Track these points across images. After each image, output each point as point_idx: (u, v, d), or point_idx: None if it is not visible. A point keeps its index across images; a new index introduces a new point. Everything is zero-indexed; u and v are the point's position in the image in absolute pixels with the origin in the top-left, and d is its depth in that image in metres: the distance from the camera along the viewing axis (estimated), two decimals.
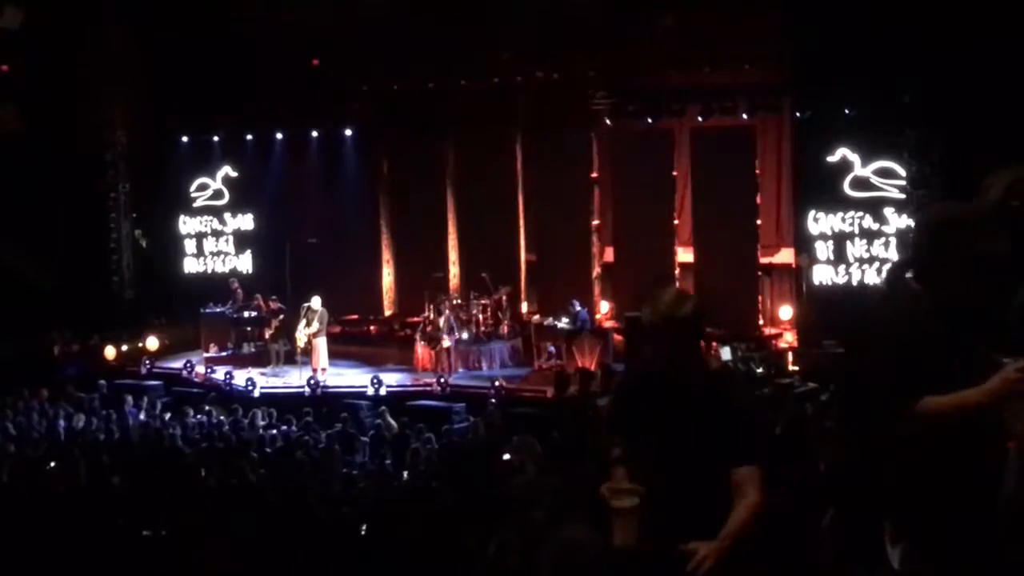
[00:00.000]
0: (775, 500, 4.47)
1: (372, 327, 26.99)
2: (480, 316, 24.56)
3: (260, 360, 24.72)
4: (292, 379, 23.32)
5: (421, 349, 23.92)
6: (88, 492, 14.07)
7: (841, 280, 23.07)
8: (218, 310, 26.29)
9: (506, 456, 13.14)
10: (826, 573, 4.66)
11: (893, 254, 22.62)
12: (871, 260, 22.87)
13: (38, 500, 13.24)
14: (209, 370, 24.28)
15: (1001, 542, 3.96)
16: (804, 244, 23.44)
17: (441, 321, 23.68)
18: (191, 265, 29.68)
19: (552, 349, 23.57)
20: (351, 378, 23.40)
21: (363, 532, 11.22)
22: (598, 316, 25.10)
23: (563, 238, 25.97)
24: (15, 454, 17.14)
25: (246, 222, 29.16)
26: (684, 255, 25.23)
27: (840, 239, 22.97)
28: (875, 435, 4.19)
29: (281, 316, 24.69)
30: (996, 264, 4.04)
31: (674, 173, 25.10)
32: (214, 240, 29.47)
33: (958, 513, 3.96)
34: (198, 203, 29.46)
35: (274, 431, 18.68)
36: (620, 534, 4.28)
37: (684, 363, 4.89)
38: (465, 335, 23.80)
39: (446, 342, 23.27)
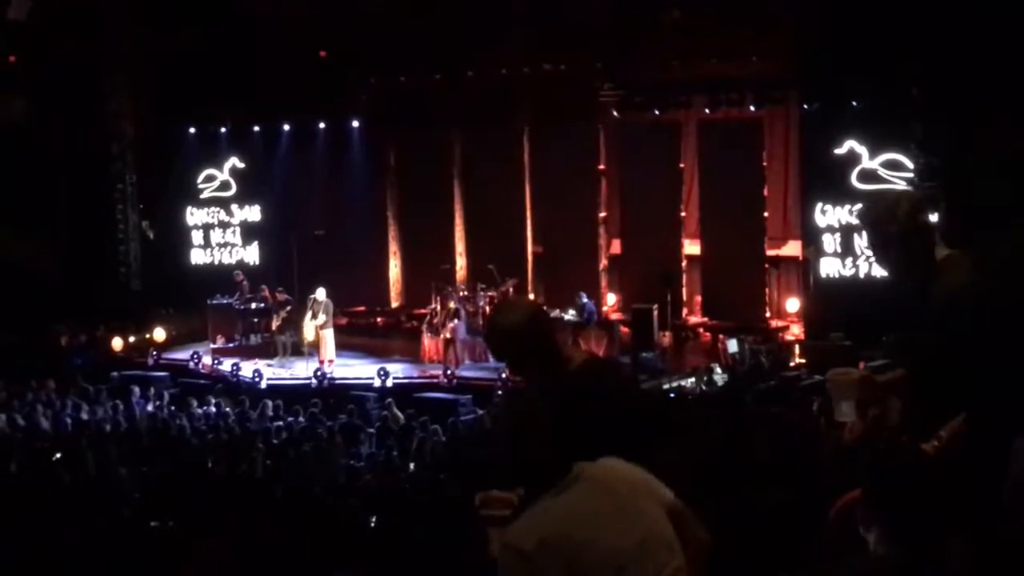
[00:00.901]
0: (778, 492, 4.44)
1: (379, 319, 27.03)
2: (487, 308, 24.51)
3: (267, 351, 24.73)
4: (299, 371, 23.35)
5: (428, 341, 23.92)
6: (95, 483, 14.10)
7: (848, 273, 23.01)
8: (225, 301, 26.29)
9: None
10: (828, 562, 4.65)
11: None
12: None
13: (45, 491, 13.26)
14: (216, 361, 24.29)
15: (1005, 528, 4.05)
16: (811, 236, 23.39)
17: (452, 304, 23.65)
18: (198, 256, 29.71)
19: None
20: (358, 370, 23.42)
21: (372, 524, 11.22)
22: (605, 308, 25.09)
23: (570, 230, 25.97)
24: (23, 445, 17.17)
25: (253, 213, 29.17)
26: (691, 247, 25.22)
27: (847, 231, 22.90)
28: None
29: (288, 308, 24.68)
30: None
31: (681, 165, 25.09)
32: (221, 231, 29.49)
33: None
34: (205, 194, 29.47)
35: (280, 423, 18.71)
36: (494, 544, 4.03)
37: (532, 372, 4.82)
38: (462, 323, 23.74)
39: (449, 332, 23.22)
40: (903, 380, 4.88)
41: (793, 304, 24.00)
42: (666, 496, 3.92)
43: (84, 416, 19.62)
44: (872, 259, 22.75)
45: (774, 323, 24.07)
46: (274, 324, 24.92)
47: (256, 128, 28.80)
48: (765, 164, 24.37)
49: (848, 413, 4.90)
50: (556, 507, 3.75)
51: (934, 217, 5.00)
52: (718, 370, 20.45)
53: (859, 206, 4.47)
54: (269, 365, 23.80)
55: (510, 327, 4.73)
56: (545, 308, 5.11)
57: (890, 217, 4.88)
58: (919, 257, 4.84)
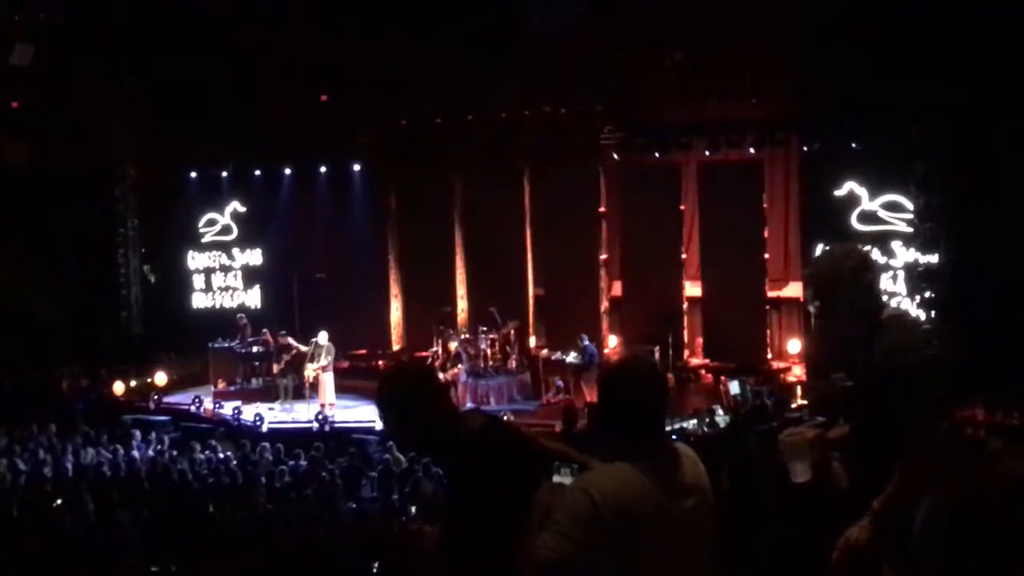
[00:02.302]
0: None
1: (380, 362, 26.98)
2: (488, 350, 24.54)
3: (268, 395, 24.69)
4: (300, 414, 23.32)
5: None
6: (96, 528, 14.06)
7: None
8: (226, 345, 26.28)
9: None
10: None
11: (901, 288, 22.60)
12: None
13: (47, 536, 13.23)
14: (217, 405, 24.27)
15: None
16: None
17: (452, 346, 23.67)
18: (199, 300, 29.71)
19: (560, 383, 23.57)
20: (359, 413, 23.37)
21: (374, 570, 11.20)
22: (606, 350, 25.05)
23: (571, 272, 25.98)
24: (24, 489, 17.15)
25: (254, 257, 29.21)
26: (692, 289, 25.24)
27: None
28: None
29: (293, 351, 24.67)
30: None
31: (682, 207, 25.14)
32: (222, 275, 29.51)
33: None
34: (207, 238, 29.52)
35: (283, 467, 18.67)
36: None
37: (417, 438, 4.80)
38: (465, 363, 23.75)
39: (451, 376, 23.22)
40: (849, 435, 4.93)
41: (794, 345, 24.00)
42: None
43: (85, 460, 19.58)
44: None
45: (776, 364, 24.07)
46: (275, 368, 24.91)
47: (257, 172, 28.90)
48: (766, 205, 24.44)
49: (803, 473, 4.93)
50: (626, 472, 3.98)
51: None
52: (720, 411, 20.43)
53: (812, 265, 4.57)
54: (271, 409, 23.76)
55: (395, 397, 4.63)
56: (435, 374, 5.23)
57: (836, 273, 4.97)
58: (863, 312, 4.95)
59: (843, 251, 5.13)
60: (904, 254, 22.51)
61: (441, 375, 23.20)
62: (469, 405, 23.16)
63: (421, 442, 4.79)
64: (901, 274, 22.60)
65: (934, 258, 21.73)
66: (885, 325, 4.95)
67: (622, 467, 4.00)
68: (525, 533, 4.18)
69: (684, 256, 25.24)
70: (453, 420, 4.70)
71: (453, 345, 23.86)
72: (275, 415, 23.43)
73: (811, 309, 4.90)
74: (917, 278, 22.01)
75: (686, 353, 24.86)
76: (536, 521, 4.09)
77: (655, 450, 4.07)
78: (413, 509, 15.50)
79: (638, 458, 4.00)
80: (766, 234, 24.45)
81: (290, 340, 24.86)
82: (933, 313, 21.67)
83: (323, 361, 23.39)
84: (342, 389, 23.99)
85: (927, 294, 21.83)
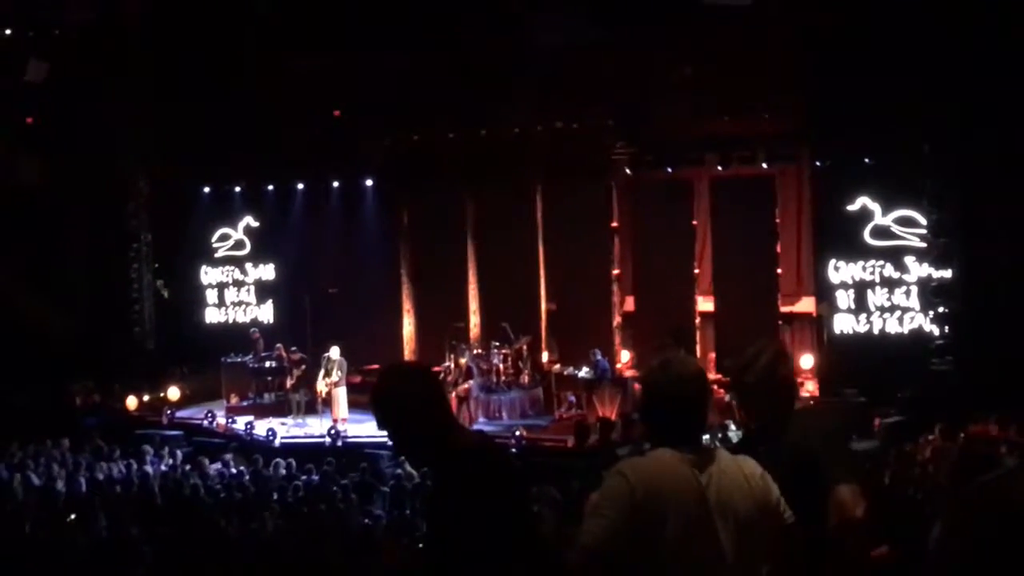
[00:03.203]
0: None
1: None
2: (500, 365, 24.55)
3: (281, 410, 24.71)
4: (313, 429, 23.32)
5: None
6: (108, 543, 14.07)
7: (862, 329, 23.00)
8: (239, 360, 26.31)
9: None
10: None
11: (914, 303, 22.57)
12: (892, 309, 22.82)
13: (59, 552, 13.24)
14: (230, 420, 24.28)
15: None
16: (824, 293, 23.40)
17: (463, 366, 23.67)
18: (212, 315, 29.78)
19: (572, 399, 23.56)
20: (371, 428, 23.32)
21: None
22: (618, 365, 25.04)
23: (583, 287, 25.96)
24: (37, 505, 17.15)
25: (267, 272, 29.27)
26: (704, 304, 25.22)
27: (861, 288, 22.93)
28: None
29: (303, 367, 24.70)
30: None
31: (694, 222, 25.14)
32: (235, 290, 29.57)
33: None
34: (219, 253, 29.58)
35: (296, 482, 18.65)
36: None
37: (409, 438, 4.63)
38: (476, 382, 23.74)
39: (463, 392, 23.22)
40: None
41: (807, 361, 23.96)
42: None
43: (98, 476, 19.59)
44: (886, 318, 22.84)
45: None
46: (288, 383, 24.92)
47: (270, 187, 28.97)
48: (778, 221, 24.42)
49: None
50: (663, 457, 4.22)
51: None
52: (732, 427, 20.37)
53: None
54: (283, 423, 23.78)
55: (396, 393, 4.59)
56: (433, 374, 5.01)
57: (749, 368, 5.16)
58: (773, 407, 5.13)
59: (760, 347, 5.31)
60: (917, 269, 22.48)
61: (453, 391, 23.24)
62: (481, 420, 23.22)
63: (412, 442, 4.61)
64: (914, 289, 22.57)
65: (947, 273, 21.69)
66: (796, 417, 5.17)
67: (661, 452, 4.24)
68: (507, 550, 4.28)
69: (696, 271, 25.23)
70: (448, 426, 4.63)
71: (464, 360, 23.85)
72: (288, 430, 23.45)
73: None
74: (930, 293, 21.97)
75: None
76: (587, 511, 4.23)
77: (692, 442, 4.26)
78: (425, 525, 15.47)
79: (676, 445, 4.23)
80: (778, 249, 24.42)
81: (302, 355, 24.92)
82: (947, 328, 21.63)
83: (335, 376, 23.40)
84: (354, 404, 23.97)
85: (940, 309, 21.79)
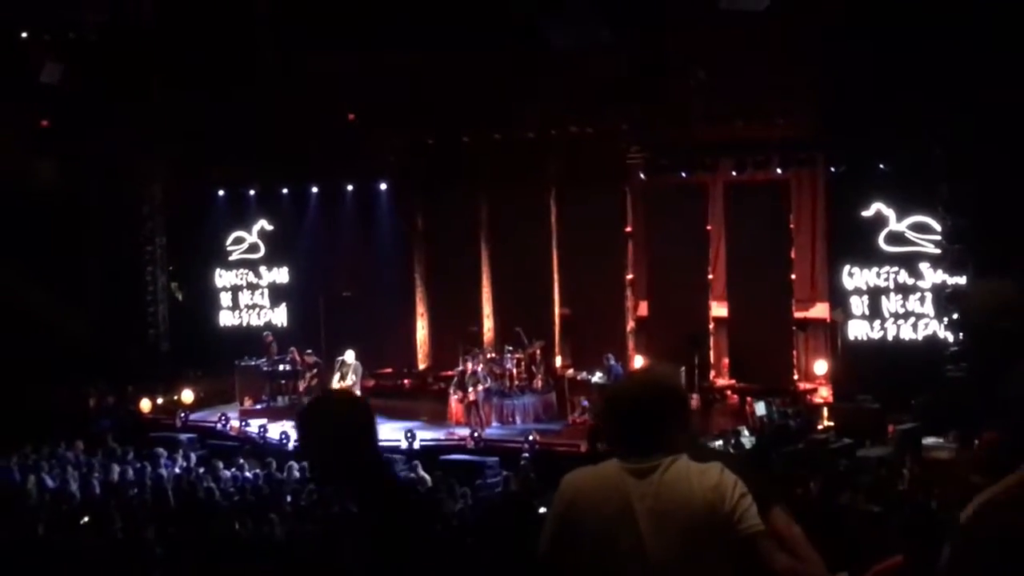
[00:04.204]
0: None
1: (406, 380, 27.02)
2: (514, 370, 24.54)
3: (294, 413, 24.67)
4: None
5: (455, 403, 23.90)
6: (122, 546, 14.09)
7: (876, 335, 22.94)
8: (253, 363, 26.33)
9: (543, 509, 13.10)
10: None
11: (929, 309, 22.50)
12: (906, 315, 22.75)
13: (73, 554, 13.26)
14: (243, 423, 24.30)
15: None
16: (839, 299, 23.34)
17: (469, 370, 23.67)
18: (227, 318, 29.82)
19: (586, 403, 23.51)
20: (385, 432, 23.36)
21: None
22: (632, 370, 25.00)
23: (597, 292, 25.95)
24: (51, 506, 17.18)
25: (281, 275, 29.29)
26: (718, 309, 25.18)
27: (875, 294, 22.87)
28: None
29: (316, 370, 24.72)
30: None
31: (708, 227, 25.10)
32: (249, 293, 29.61)
33: None
34: (234, 256, 29.63)
35: (310, 485, 18.65)
36: None
37: (338, 470, 4.40)
38: (490, 383, 23.74)
39: (473, 395, 23.23)
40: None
41: (821, 366, 23.91)
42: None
43: (112, 478, 19.62)
44: (900, 324, 22.77)
45: (802, 385, 23.97)
46: (301, 386, 24.93)
47: (284, 190, 29.01)
48: (792, 226, 24.36)
49: None
50: (604, 468, 4.32)
51: None
52: (746, 433, 20.37)
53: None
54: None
55: (319, 423, 4.41)
56: (365, 405, 4.70)
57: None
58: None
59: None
60: (932, 275, 22.40)
61: (464, 394, 23.26)
62: (495, 424, 23.23)
63: (340, 474, 4.40)
64: (929, 296, 22.50)
65: (962, 279, 21.63)
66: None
67: (608, 461, 4.31)
68: None
69: (710, 276, 25.18)
70: (379, 461, 4.49)
71: (477, 365, 23.85)
72: None
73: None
74: (945, 300, 21.90)
75: (712, 374, 24.78)
76: None
77: (642, 451, 4.24)
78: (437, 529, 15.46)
79: (624, 455, 4.26)
80: (792, 255, 24.37)
81: (316, 359, 24.95)
82: (961, 335, 21.55)
83: (350, 380, 23.40)
84: None
85: (955, 315, 21.72)
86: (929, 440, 18.77)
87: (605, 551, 4.18)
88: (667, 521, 4.15)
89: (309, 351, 25.42)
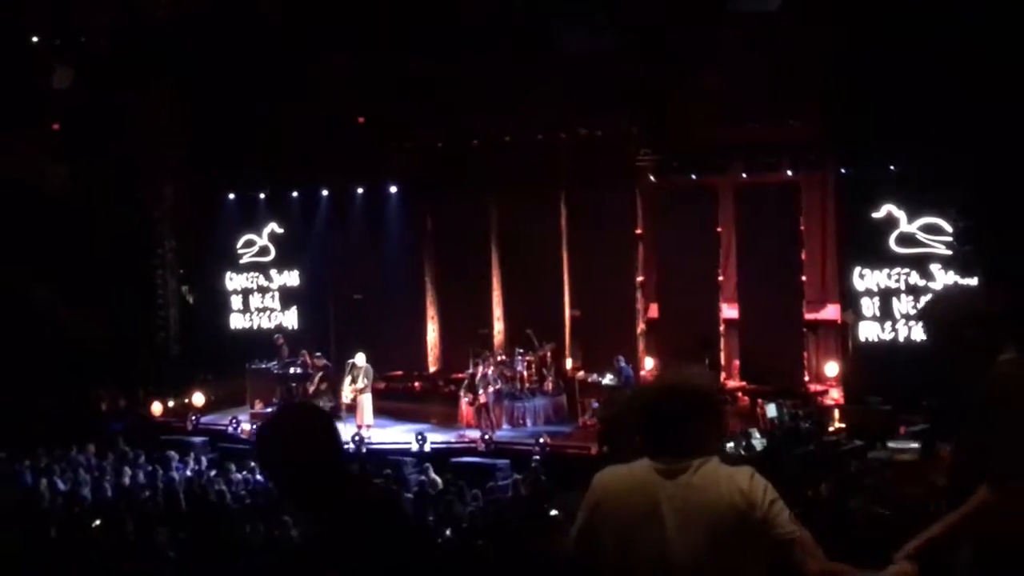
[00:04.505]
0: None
1: (416, 383, 27.01)
2: (524, 372, 24.56)
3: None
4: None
5: (465, 405, 23.91)
6: (134, 548, 14.11)
7: (887, 336, 22.90)
8: (264, 366, 26.36)
9: (553, 512, 13.10)
10: None
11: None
12: (917, 317, 22.69)
13: (85, 557, 13.28)
14: (255, 426, 24.31)
15: None
16: (850, 300, 23.31)
17: (479, 373, 23.68)
18: (237, 321, 29.86)
19: (596, 405, 23.51)
20: (395, 434, 23.42)
21: None
22: (642, 372, 24.99)
23: (607, 294, 25.91)
24: (63, 509, 17.22)
25: (292, 278, 29.31)
26: (729, 311, 25.15)
27: (886, 295, 22.83)
28: None
29: (322, 372, 24.73)
30: None
31: (718, 229, 25.05)
32: (260, 296, 29.63)
33: None
34: (244, 259, 29.66)
35: None
36: None
37: (297, 486, 4.32)
38: (500, 385, 23.75)
39: (483, 398, 23.24)
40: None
41: (832, 368, 23.86)
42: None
43: (124, 481, 19.66)
44: (912, 325, 22.72)
45: (813, 387, 23.92)
46: (311, 389, 24.94)
47: (294, 193, 29.03)
48: (803, 228, 24.30)
49: None
50: (636, 466, 4.42)
51: None
52: (757, 435, 20.32)
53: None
54: None
55: (279, 436, 4.34)
56: (328, 418, 4.56)
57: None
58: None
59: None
60: (943, 277, 22.36)
61: (474, 396, 23.26)
62: (505, 427, 23.24)
63: (300, 491, 4.31)
64: None
65: (973, 281, 21.59)
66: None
67: (639, 463, 4.41)
68: None
69: (721, 278, 25.16)
70: (342, 476, 4.35)
71: (488, 367, 23.85)
72: None
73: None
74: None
75: (723, 376, 24.73)
76: None
77: (671, 451, 4.34)
78: (448, 531, 15.49)
79: (654, 454, 4.37)
80: (803, 256, 24.31)
81: (325, 360, 24.96)
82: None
83: (361, 383, 23.43)
84: (378, 411, 24.03)
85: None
86: (895, 443, 18.78)
87: (629, 547, 4.28)
88: (693, 522, 4.20)
89: (318, 353, 25.48)
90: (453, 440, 22.90)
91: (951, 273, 22.06)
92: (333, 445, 4.34)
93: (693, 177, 24.84)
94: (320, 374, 24.92)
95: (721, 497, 4.20)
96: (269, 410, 25.23)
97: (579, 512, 4.46)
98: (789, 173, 23.89)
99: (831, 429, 21.11)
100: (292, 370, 25.71)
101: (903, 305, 22.74)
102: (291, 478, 4.29)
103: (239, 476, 19.97)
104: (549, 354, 24.92)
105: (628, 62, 22.92)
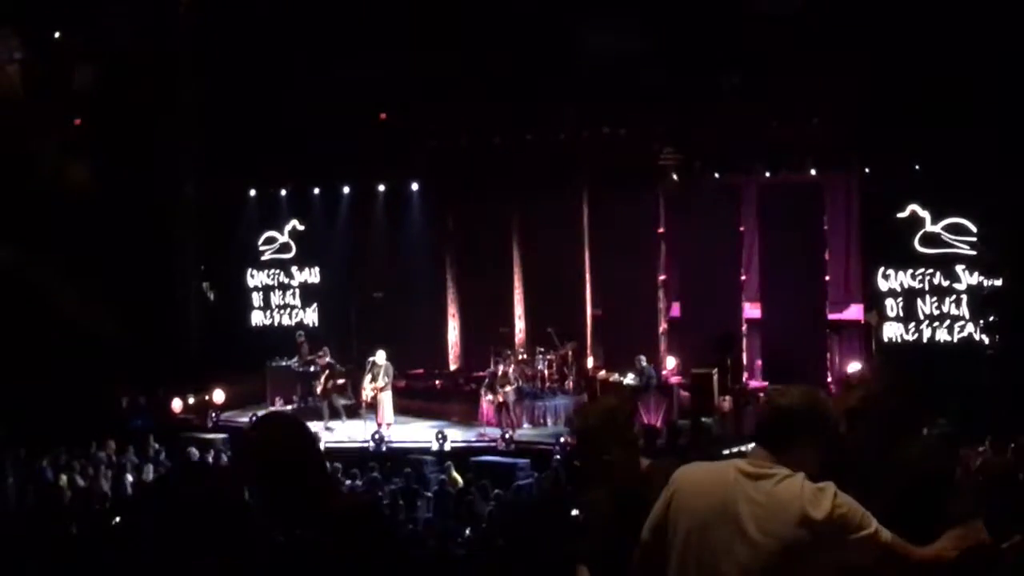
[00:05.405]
0: None
1: (437, 381, 26.95)
2: (546, 371, 24.51)
3: (319, 414, 24.57)
4: (356, 434, 23.28)
5: (486, 404, 23.87)
6: (153, 545, 14.07)
7: (911, 337, 22.79)
8: (284, 363, 26.35)
9: (575, 512, 13.04)
10: None
11: (964, 312, 22.33)
12: (942, 318, 22.58)
13: (105, 552, 13.25)
14: None
15: None
16: (873, 301, 23.20)
17: (500, 372, 23.62)
18: (258, 318, 29.82)
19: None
20: (416, 433, 23.38)
21: None
22: (664, 372, 24.93)
23: (629, 293, 25.83)
24: (82, 506, 17.22)
25: (313, 276, 29.26)
26: (751, 311, 25.05)
27: (910, 296, 22.72)
28: None
29: (328, 371, 24.61)
30: None
31: (741, 228, 24.96)
32: (281, 293, 29.59)
33: None
34: (265, 256, 29.62)
35: (342, 487, 18.64)
36: None
37: (278, 499, 4.26)
38: (520, 384, 23.69)
39: (504, 396, 23.18)
40: None
41: (855, 369, 23.74)
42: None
43: (145, 478, 19.66)
44: (936, 326, 22.62)
45: (836, 388, 23.79)
46: (318, 388, 24.82)
47: (316, 191, 28.99)
48: (826, 228, 24.19)
49: None
50: (719, 464, 4.49)
51: None
52: None
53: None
54: (327, 428, 23.70)
55: (260, 447, 4.30)
56: (308, 430, 4.47)
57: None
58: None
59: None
60: (968, 278, 22.23)
61: (495, 395, 23.21)
62: (526, 426, 23.19)
63: (281, 504, 4.25)
64: (964, 298, 22.32)
65: (998, 281, 21.47)
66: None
67: (727, 462, 4.46)
68: None
69: (743, 278, 25.06)
70: (324, 488, 4.31)
71: (509, 366, 23.80)
72: (331, 435, 23.27)
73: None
74: (981, 302, 21.74)
75: (745, 376, 24.63)
76: None
77: (766, 460, 4.37)
78: (468, 531, 15.45)
79: (748, 460, 4.42)
80: (826, 256, 24.21)
81: (328, 359, 24.83)
82: (997, 337, 21.40)
83: (381, 381, 23.37)
84: (398, 409, 23.99)
85: (991, 318, 21.56)
86: None
87: (701, 539, 4.30)
88: (767, 530, 4.21)
89: (322, 351, 25.29)
90: (473, 439, 22.87)
91: (976, 274, 21.94)
92: (304, 456, 4.25)
93: (716, 176, 24.79)
94: (327, 372, 24.77)
95: (800, 515, 4.19)
96: (290, 408, 25.27)
97: (653, 509, 4.49)
98: (813, 173, 23.80)
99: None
100: (312, 368, 25.67)
101: (927, 306, 22.64)
102: (263, 492, 4.26)
103: None
104: (570, 353, 24.87)
105: (652, 62, 22.84)
